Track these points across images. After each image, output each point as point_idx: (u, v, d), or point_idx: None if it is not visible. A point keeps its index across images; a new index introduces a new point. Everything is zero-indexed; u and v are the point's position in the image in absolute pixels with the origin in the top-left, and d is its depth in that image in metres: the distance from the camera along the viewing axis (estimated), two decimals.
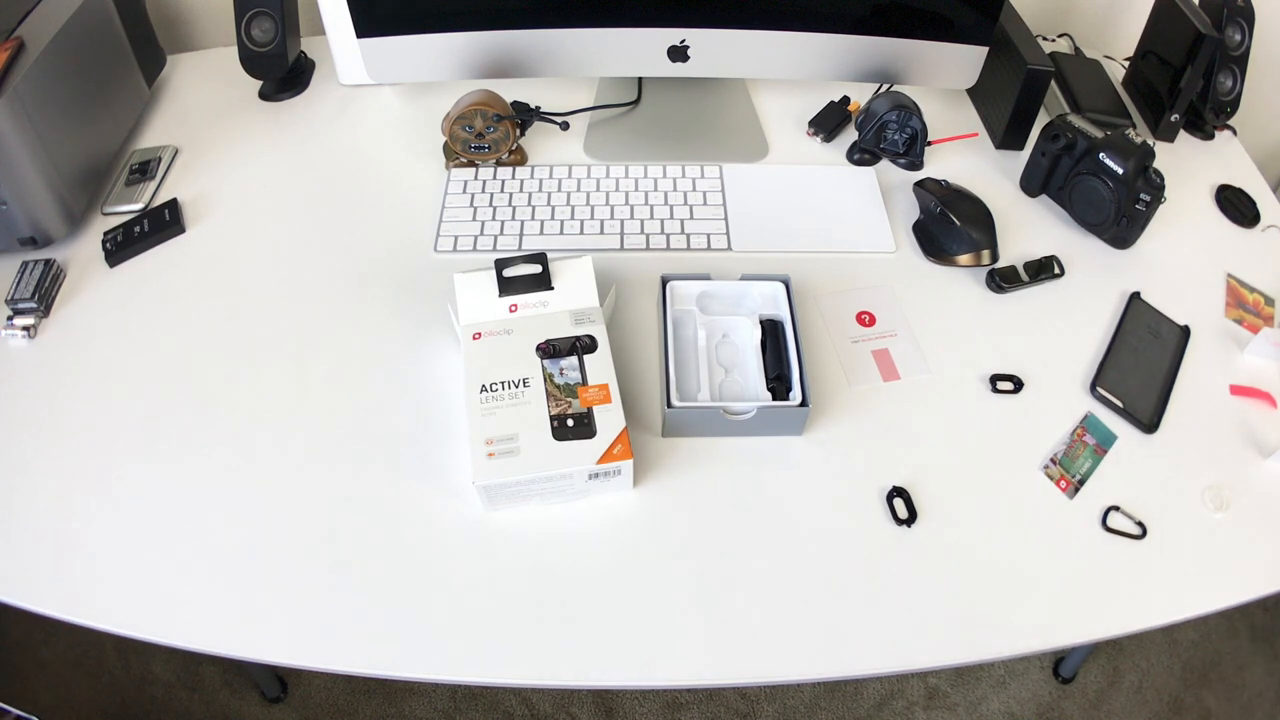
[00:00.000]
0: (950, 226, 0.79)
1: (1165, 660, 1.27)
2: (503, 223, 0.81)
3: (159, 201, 0.84)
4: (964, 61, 0.85)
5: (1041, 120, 0.91)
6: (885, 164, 0.90)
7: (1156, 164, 0.77)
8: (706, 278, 0.72)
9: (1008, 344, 0.74)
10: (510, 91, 0.88)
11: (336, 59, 0.95)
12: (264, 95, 0.97)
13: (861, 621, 0.57)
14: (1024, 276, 0.78)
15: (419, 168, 0.88)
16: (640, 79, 0.97)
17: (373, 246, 0.80)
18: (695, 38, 0.82)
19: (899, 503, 0.63)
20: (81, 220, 0.82)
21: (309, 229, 0.82)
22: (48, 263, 0.77)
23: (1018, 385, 0.71)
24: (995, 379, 0.71)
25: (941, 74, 0.86)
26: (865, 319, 0.75)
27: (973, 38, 0.82)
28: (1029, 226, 0.84)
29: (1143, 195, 0.77)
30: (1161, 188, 0.77)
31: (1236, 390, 0.71)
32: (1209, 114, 0.92)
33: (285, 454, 0.65)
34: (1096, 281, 0.79)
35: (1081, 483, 0.65)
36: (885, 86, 0.91)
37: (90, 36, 0.82)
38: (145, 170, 0.86)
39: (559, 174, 0.86)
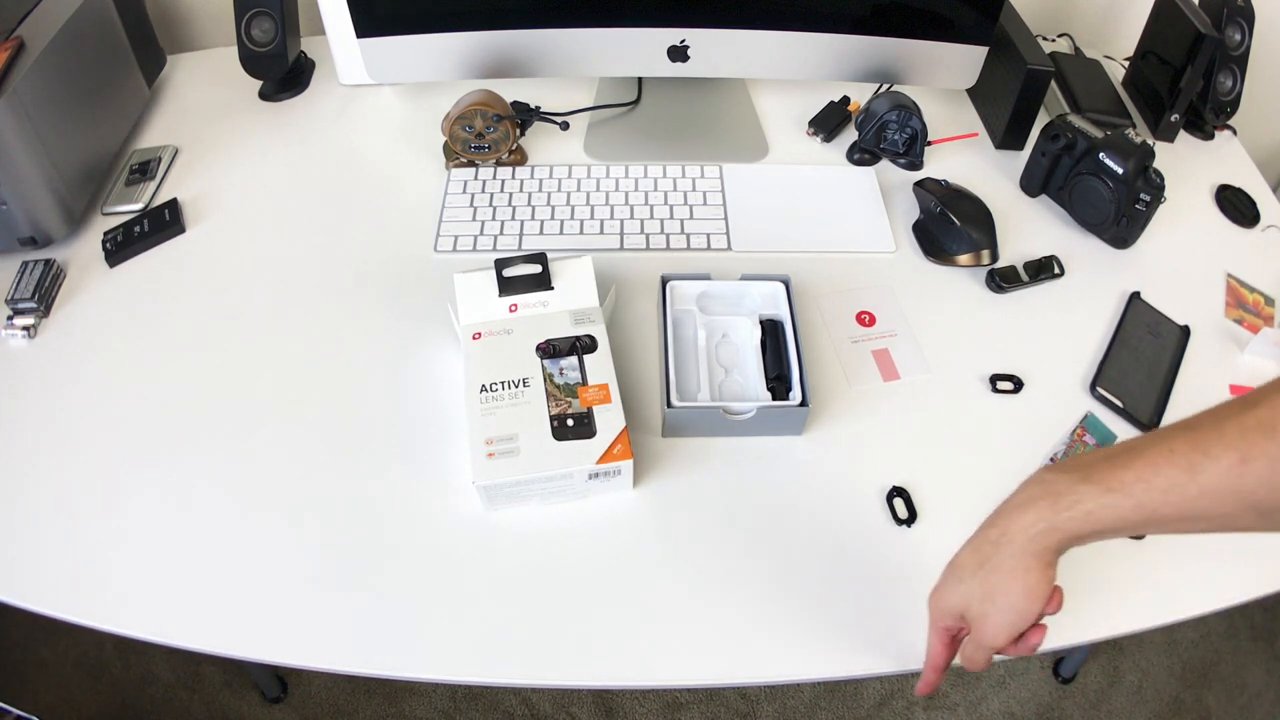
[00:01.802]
0: (950, 226, 0.79)
1: (1165, 660, 1.27)
2: (503, 223, 0.81)
3: (159, 201, 0.84)
4: (964, 61, 0.85)
5: (1041, 120, 0.90)
6: (885, 164, 0.90)
7: (1156, 164, 0.77)
8: (706, 278, 0.72)
9: (1008, 344, 0.74)
10: (510, 91, 0.88)
11: (336, 59, 0.95)
12: (264, 95, 0.97)
13: (861, 621, 0.57)
14: (1024, 276, 0.78)
15: (419, 168, 0.88)
16: (640, 79, 0.97)
17: (373, 246, 0.80)
18: (695, 38, 0.82)
19: (899, 503, 0.63)
20: (81, 220, 0.82)
21: (309, 229, 0.82)
22: (48, 263, 0.77)
23: (1018, 385, 0.71)
24: (995, 379, 0.71)
25: (941, 74, 0.86)
26: (865, 319, 0.75)
27: (973, 38, 0.82)
28: (1029, 226, 0.84)
29: (1143, 195, 0.77)
30: (1161, 188, 0.77)
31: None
32: (1209, 114, 0.92)
33: (285, 454, 0.65)
34: (1096, 281, 0.79)
35: None
36: (885, 86, 0.91)
37: (90, 36, 0.82)
38: (145, 170, 0.86)
39: (559, 174, 0.86)
